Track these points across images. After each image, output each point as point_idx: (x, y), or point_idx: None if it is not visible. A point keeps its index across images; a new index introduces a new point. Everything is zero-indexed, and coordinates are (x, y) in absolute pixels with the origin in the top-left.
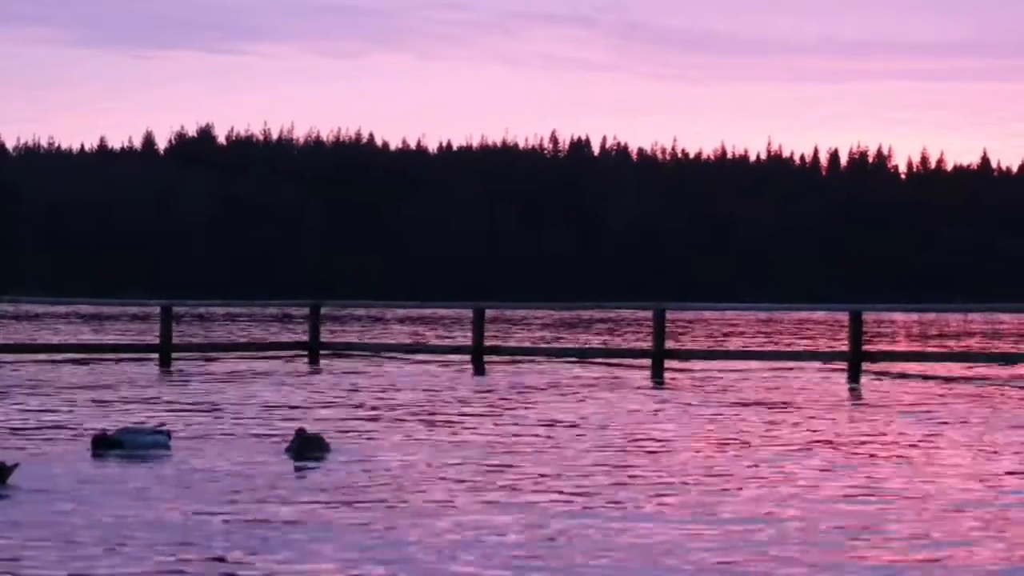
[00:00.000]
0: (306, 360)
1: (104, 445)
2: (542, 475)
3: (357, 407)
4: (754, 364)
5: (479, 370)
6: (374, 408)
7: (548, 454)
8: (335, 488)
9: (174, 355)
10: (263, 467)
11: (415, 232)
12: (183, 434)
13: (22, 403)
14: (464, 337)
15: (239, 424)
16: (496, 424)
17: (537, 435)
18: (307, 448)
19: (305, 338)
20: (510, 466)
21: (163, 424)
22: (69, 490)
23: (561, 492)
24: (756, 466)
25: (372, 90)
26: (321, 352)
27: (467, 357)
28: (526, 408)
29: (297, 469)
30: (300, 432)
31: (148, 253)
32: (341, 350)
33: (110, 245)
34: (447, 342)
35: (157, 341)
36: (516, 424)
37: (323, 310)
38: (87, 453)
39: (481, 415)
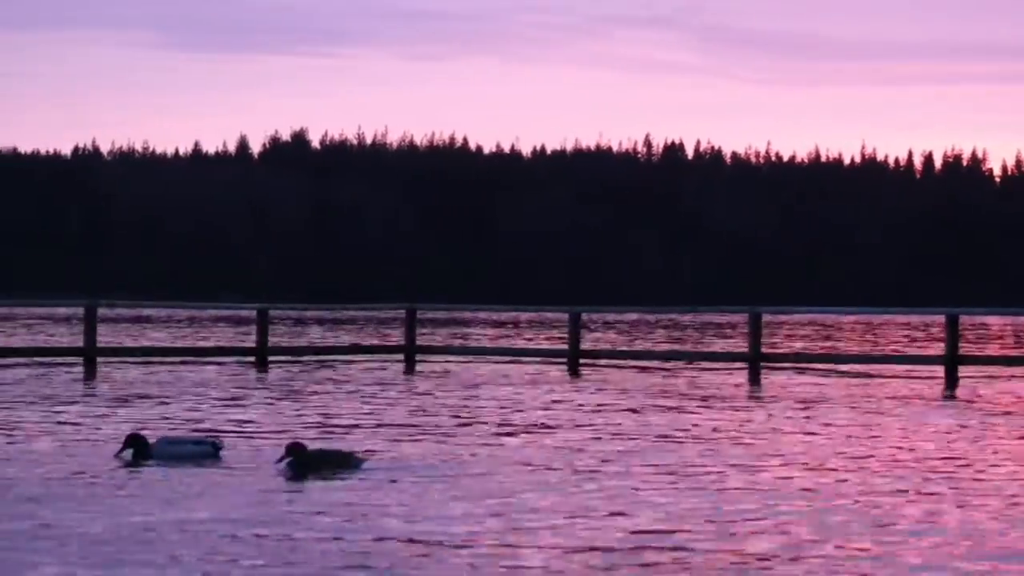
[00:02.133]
0: (402, 363)
1: (133, 447)
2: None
3: (435, 414)
4: (844, 367)
5: (574, 373)
6: (458, 415)
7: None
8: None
9: (270, 358)
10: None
11: (508, 235)
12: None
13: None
14: (554, 340)
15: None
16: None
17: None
18: (311, 466)
19: (401, 341)
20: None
21: (209, 434)
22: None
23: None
24: None
25: (462, 93)
26: (417, 356)
27: (563, 360)
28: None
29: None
30: (296, 447)
31: (242, 257)
32: (436, 353)
33: (204, 249)
34: (542, 345)
35: (254, 344)
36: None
37: (418, 313)
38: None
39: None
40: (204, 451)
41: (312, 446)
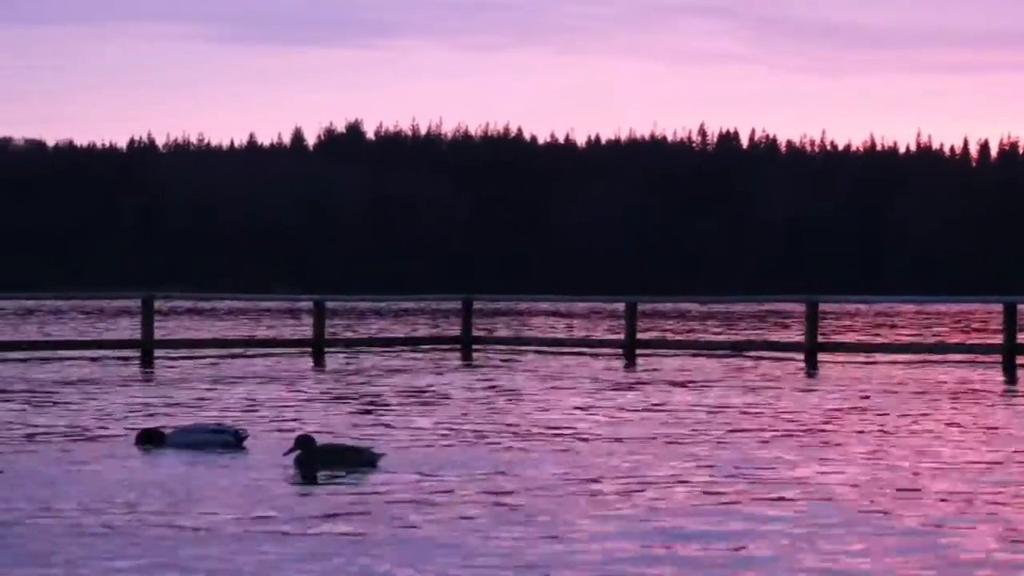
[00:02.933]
0: (459, 354)
1: (147, 440)
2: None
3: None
4: (903, 357)
5: (631, 363)
6: (502, 411)
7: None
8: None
9: (326, 350)
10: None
11: (563, 225)
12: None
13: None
14: (612, 330)
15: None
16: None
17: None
18: (319, 460)
19: (457, 332)
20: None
21: (227, 424)
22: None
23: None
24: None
25: (516, 84)
26: (474, 347)
27: (619, 351)
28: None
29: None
30: (305, 439)
31: (297, 249)
32: (493, 344)
33: (259, 241)
34: (598, 336)
35: (310, 336)
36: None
37: (474, 304)
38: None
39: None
40: (223, 440)
41: (352, 441)
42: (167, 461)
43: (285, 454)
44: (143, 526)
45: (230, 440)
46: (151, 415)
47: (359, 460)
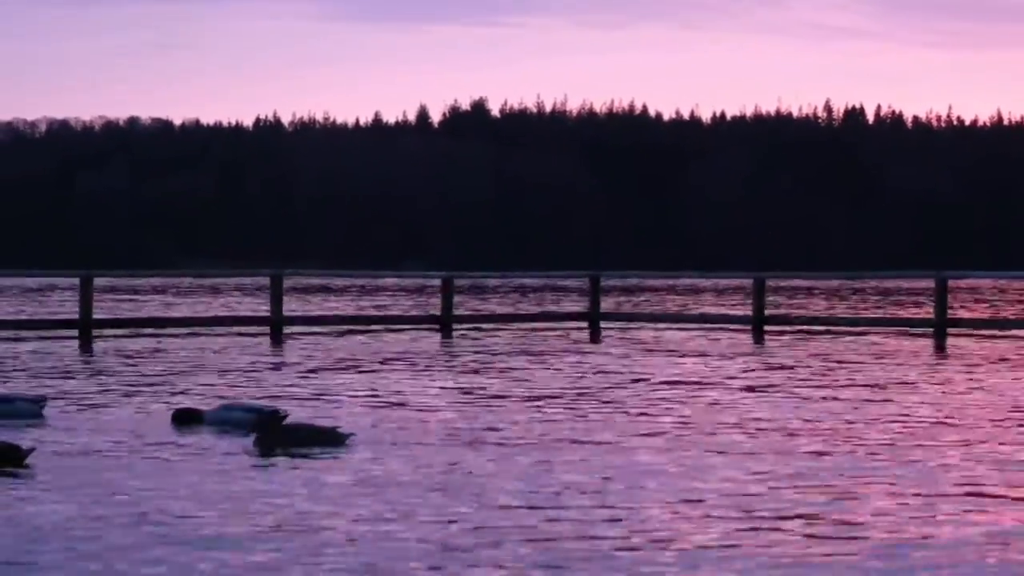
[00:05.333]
0: (586, 331)
1: (184, 420)
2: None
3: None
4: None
5: (758, 340)
6: (640, 380)
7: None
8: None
9: (454, 326)
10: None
11: (689, 202)
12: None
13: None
14: (737, 307)
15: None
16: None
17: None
18: (278, 441)
19: (585, 309)
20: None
21: (262, 404)
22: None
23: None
24: None
25: (641, 61)
26: (601, 323)
27: (747, 327)
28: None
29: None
30: (269, 419)
31: (424, 226)
32: (621, 320)
33: (386, 219)
34: (725, 311)
35: (438, 312)
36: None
37: (601, 281)
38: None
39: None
40: (258, 419)
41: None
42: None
43: (248, 432)
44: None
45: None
46: (274, 396)
47: (325, 440)
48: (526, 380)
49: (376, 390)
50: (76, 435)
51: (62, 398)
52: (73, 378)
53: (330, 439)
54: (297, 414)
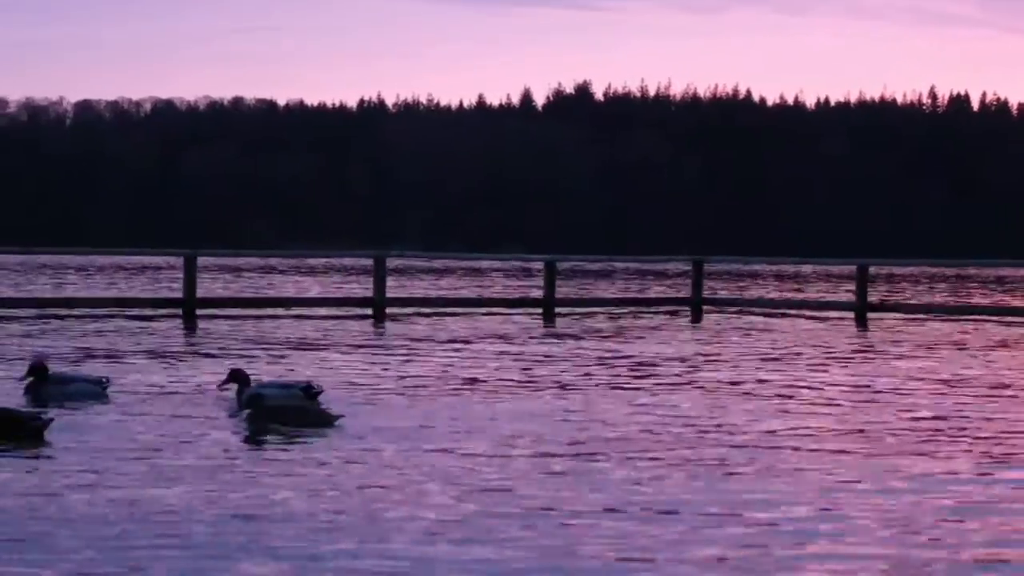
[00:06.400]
0: (688, 315)
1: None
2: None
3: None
4: None
5: (862, 326)
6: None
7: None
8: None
9: (557, 309)
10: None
11: (791, 187)
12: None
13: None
14: (840, 293)
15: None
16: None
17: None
18: (268, 419)
19: (688, 294)
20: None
21: (306, 382)
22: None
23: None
24: None
25: (744, 45)
26: (704, 307)
27: (849, 313)
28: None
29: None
30: (253, 396)
31: (526, 208)
32: (723, 305)
33: (488, 201)
34: (828, 298)
35: (541, 295)
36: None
37: (705, 266)
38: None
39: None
40: (291, 395)
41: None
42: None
43: (233, 415)
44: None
45: (298, 395)
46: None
47: (314, 420)
48: (627, 376)
49: (476, 375)
50: (111, 414)
51: (142, 375)
52: (163, 356)
53: (319, 419)
54: (391, 401)
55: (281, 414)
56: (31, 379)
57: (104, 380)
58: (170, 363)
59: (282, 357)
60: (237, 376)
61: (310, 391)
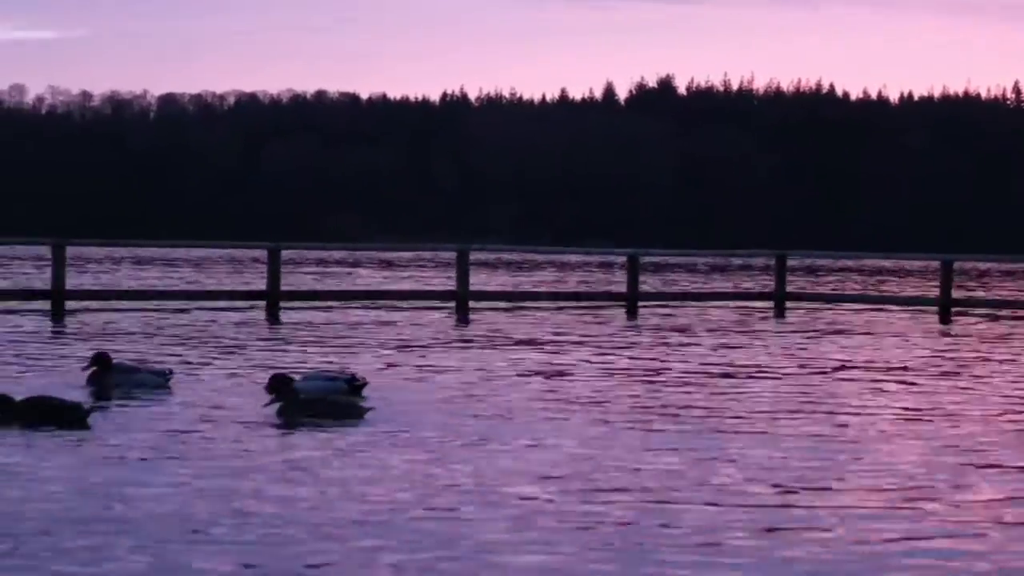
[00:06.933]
0: (771, 310)
1: (275, 387)
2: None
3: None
4: None
5: (945, 321)
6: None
7: None
8: None
9: (640, 303)
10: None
11: (875, 182)
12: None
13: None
14: (922, 289)
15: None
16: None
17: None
18: (300, 411)
19: (770, 288)
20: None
21: (351, 374)
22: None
23: None
24: None
25: (828, 40)
26: (787, 303)
27: (933, 308)
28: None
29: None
30: (284, 387)
31: (608, 203)
32: (804, 300)
33: (571, 195)
34: (909, 293)
35: (624, 290)
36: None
37: (787, 261)
38: None
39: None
40: (336, 387)
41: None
42: None
43: (265, 405)
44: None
45: (344, 388)
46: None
47: (345, 412)
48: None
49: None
50: (162, 403)
51: (209, 366)
52: (236, 349)
53: (349, 412)
54: (445, 395)
55: (312, 406)
56: (94, 368)
57: (168, 372)
58: (245, 355)
59: (358, 350)
60: (100, 359)
61: (354, 383)
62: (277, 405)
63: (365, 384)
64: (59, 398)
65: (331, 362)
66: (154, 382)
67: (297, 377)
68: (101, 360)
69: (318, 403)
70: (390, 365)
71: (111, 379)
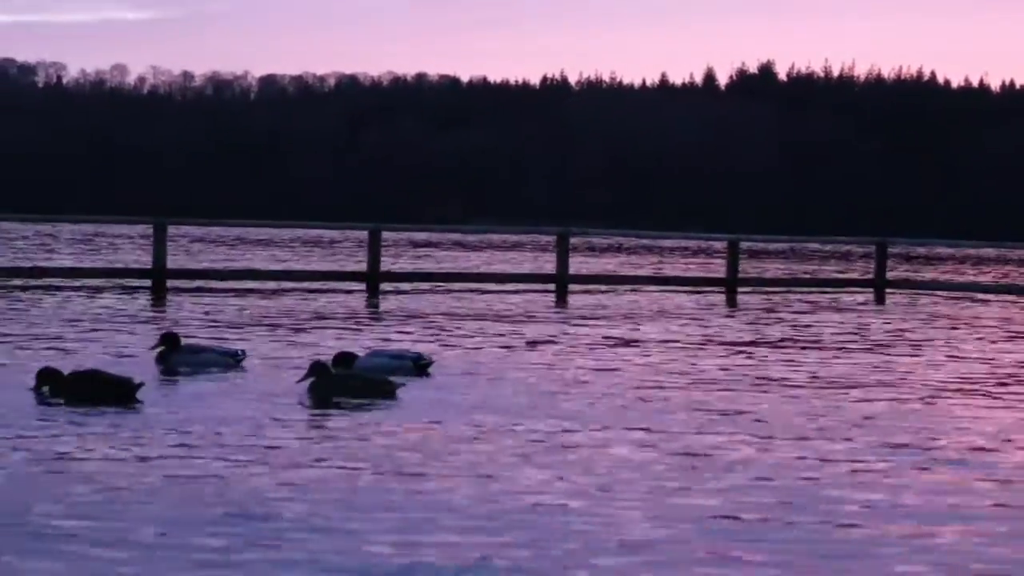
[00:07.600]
0: (871, 296)
1: (336, 362)
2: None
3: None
4: None
5: None
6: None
7: None
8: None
9: (739, 289)
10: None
11: (976, 171)
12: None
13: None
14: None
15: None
16: None
17: None
18: (333, 389)
19: (871, 275)
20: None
21: (417, 353)
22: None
23: None
24: None
25: (930, 26)
26: (887, 289)
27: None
28: None
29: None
30: (320, 366)
31: (708, 188)
32: (904, 288)
33: (671, 180)
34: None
35: (723, 275)
36: None
37: (889, 248)
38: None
39: None
40: (401, 365)
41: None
42: None
43: (299, 381)
44: None
45: (408, 366)
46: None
47: (377, 391)
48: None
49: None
50: (222, 382)
51: (298, 349)
52: (333, 330)
53: (382, 390)
54: (516, 376)
55: (344, 384)
56: (162, 348)
57: (239, 352)
58: (340, 336)
59: (452, 331)
60: (168, 339)
61: (419, 361)
62: (309, 381)
63: (431, 363)
64: (108, 372)
65: (416, 342)
66: (221, 362)
67: (361, 354)
68: (169, 339)
69: (350, 380)
70: (478, 345)
71: (178, 358)
